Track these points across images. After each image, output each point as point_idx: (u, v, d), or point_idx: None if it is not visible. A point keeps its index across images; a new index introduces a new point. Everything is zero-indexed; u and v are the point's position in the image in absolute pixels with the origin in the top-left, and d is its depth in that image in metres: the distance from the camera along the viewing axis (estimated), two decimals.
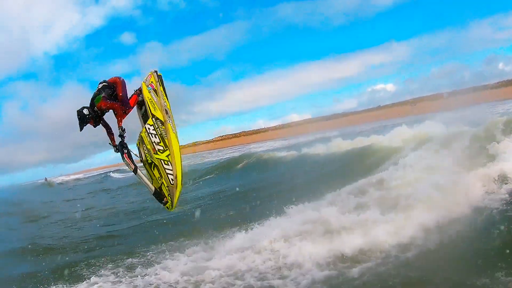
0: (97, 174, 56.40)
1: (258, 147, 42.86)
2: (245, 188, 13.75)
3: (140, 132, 6.54)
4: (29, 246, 10.12)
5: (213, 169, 23.83)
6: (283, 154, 23.14)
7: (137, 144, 6.52)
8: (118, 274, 6.28)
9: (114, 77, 6.66)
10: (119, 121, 6.31)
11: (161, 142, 6.46)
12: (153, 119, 6.56)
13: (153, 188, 6.38)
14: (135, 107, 6.72)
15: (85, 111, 6.01)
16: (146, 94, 6.74)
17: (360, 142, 17.92)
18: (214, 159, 38.96)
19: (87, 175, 61.19)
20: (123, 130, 6.33)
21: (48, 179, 51.42)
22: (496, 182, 6.42)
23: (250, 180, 15.78)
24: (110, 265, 6.86)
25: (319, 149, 20.09)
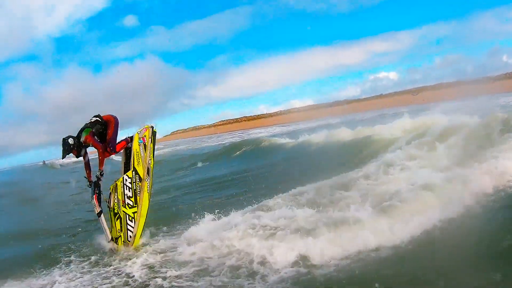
0: (97, 157, 56.48)
1: (258, 133, 42.68)
2: (236, 176, 13.59)
3: (117, 180, 6.54)
4: (16, 230, 10.08)
5: (209, 156, 23.68)
6: (282, 141, 22.99)
7: (110, 188, 6.52)
8: (91, 261, 6.17)
9: (110, 115, 6.69)
10: (101, 163, 6.41)
11: (133, 197, 6.52)
12: (133, 172, 6.60)
13: (110, 237, 6.44)
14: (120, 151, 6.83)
15: (70, 141, 6.16)
16: (136, 145, 6.77)
17: (361, 132, 17.69)
18: (212, 144, 38.88)
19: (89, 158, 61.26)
20: (101, 174, 6.43)
21: (46, 162, 51.37)
22: (491, 181, 6.09)
23: (244, 168, 15.60)
24: (87, 250, 6.74)
25: (319, 138, 19.92)
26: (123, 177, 6.57)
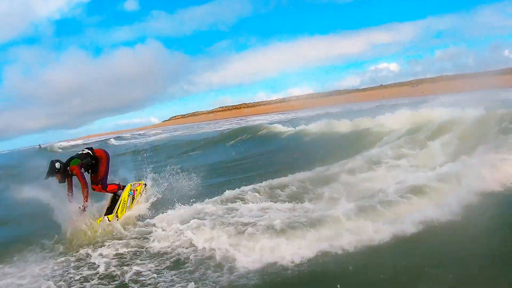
0: (96, 141, 56.68)
1: (256, 121, 42.40)
2: (228, 165, 13.44)
3: (97, 219, 6.54)
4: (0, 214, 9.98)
5: (206, 142, 23.55)
6: (279, 130, 22.99)
7: None
8: (66, 248, 6.09)
9: (102, 151, 6.78)
10: (84, 199, 6.33)
11: None
12: (116, 217, 6.63)
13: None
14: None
15: (57, 165, 6.22)
16: (125, 195, 6.95)
17: (359, 123, 17.65)
18: (210, 130, 38.71)
19: (87, 141, 61.45)
20: (84, 209, 6.35)
21: (42, 146, 50.98)
22: (484, 181, 5.82)
23: (237, 157, 15.41)
24: (63, 235, 6.48)
25: (316, 127, 19.88)
26: (103, 217, 6.59)
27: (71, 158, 6.41)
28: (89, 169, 6.56)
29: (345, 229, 4.76)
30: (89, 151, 6.58)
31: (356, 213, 5.16)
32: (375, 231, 4.72)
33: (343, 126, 18.59)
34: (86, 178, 6.48)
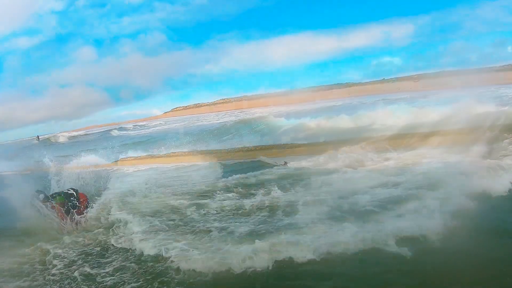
0: (98, 132, 56.95)
1: (256, 114, 42.15)
2: (213, 159, 13.22)
3: None
4: None
5: (204, 135, 23.43)
6: (278, 124, 22.85)
7: None
8: (34, 238, 6.10)
9: (84, 196, 7.20)
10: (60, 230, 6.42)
11: None
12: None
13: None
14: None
15: (40, 197, 6.61)
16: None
17: (357, 118, 17.51)
18: (209, 123, 38.57)
19: (90, 132, 61.71)
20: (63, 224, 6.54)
21: (41, 137, 50.62)
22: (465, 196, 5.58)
23: (227, 151, 15.20)
24: (33, 231, 6.49)
25: (314, 122, 19.75)
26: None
27: (57, 194, 6.76)
28: (69, 208, 6.79)
29: (313, 236, 4.50)
30: (74, 193, 6.89)
31: (326, 219, 4.90)
32: (343, 238, 4.45)
33: (341, 121, 18.44)
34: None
